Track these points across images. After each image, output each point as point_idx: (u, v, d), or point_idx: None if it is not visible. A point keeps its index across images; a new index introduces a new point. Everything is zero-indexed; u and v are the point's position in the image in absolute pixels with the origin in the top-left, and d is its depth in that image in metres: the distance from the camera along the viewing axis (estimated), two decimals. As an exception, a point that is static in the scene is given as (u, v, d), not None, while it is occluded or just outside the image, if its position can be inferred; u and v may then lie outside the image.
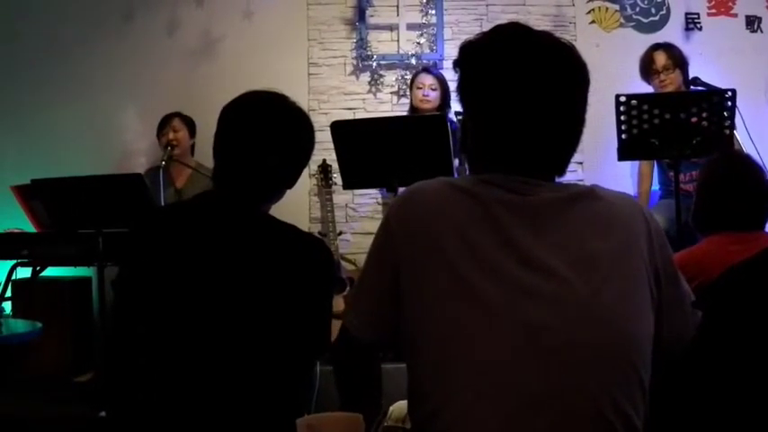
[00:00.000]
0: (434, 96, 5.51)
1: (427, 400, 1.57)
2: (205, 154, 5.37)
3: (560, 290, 1.55)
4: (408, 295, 1.64)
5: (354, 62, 6.06)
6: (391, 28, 6.10)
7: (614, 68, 5.64)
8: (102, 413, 3.58)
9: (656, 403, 1.64)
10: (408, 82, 5.86)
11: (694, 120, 4.14)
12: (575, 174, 5.61)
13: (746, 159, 3.21)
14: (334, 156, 4.62)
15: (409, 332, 1.63)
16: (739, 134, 4.56)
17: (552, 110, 1.67)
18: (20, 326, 4.20)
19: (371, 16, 6.07)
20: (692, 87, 5.05)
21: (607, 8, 6.12)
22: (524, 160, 1.68)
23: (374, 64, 6.02)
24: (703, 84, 4.96)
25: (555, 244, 1.59)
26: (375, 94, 6.07)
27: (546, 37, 1.72)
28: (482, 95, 1.71)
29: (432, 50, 6.01)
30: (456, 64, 1.76)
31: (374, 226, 5.98)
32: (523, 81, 1.66)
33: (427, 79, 5.58)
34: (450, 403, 1.54)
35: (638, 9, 6.12)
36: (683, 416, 1.69)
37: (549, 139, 1.69)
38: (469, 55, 1.74)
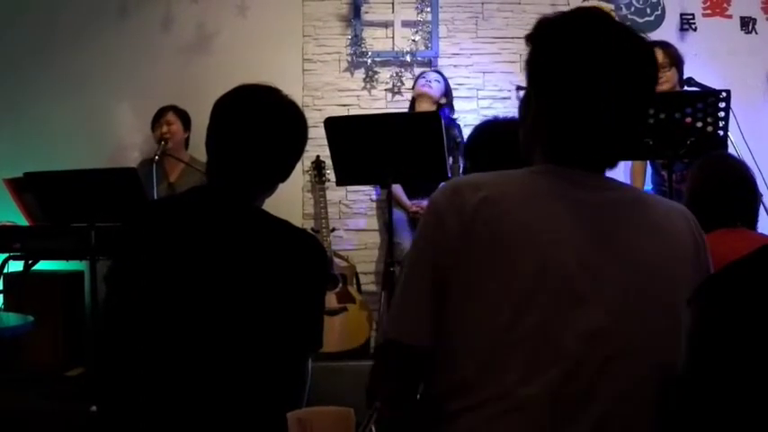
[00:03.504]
0: (436, 87, 5.63)
1: (468, 394, 1.54)
2: (200, 149, 5.39)
3: (615, 297, 1.54)
4: (460, 293, 1.58)
5: (349, 59, 6.06)
6: (386, 25, 6.10)
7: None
8: (94, 408, 3.58)
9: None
10: (403, 80, 5.98)
11: (689, 120, 4.14)
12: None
13: (733, 159, 3.25)
14: (327, 152, 4.62)
15: (455, 328, 1.58)
16: (733, 135, 4.57)
17: (626, 99, 1.63)
18: (11, 319, 4.19)
19: (366, 13, 6.07)
20: (686, 87, 5.06)
21: (602, 8, 6.12)
22: (591, 149, 1.65)
23: (369, 61, 6.02)
24: (697, 84, 4.96)
25: (614, 249, 1.57)
26: (369, 91, 6.07)
27: (624, 26, 1.68)
28: (558, 75, 1.64)
29: (426, 48, 6.01)
30: (530, 38, 1.68)
31: (367, 222, 6.02)
32: (603, 66, 1.61)
33: (431, 74, 5.69)
34: (497, 402, 1.52)
35: (633, 9, 6.12)
36: (680, 420, 1.69)
37: (618, 128, 1.65)
38: (549, 31, 1.67)
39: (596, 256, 1.56)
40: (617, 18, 5.93)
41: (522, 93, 1.79)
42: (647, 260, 1.58)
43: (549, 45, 1.66)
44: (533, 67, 1.69)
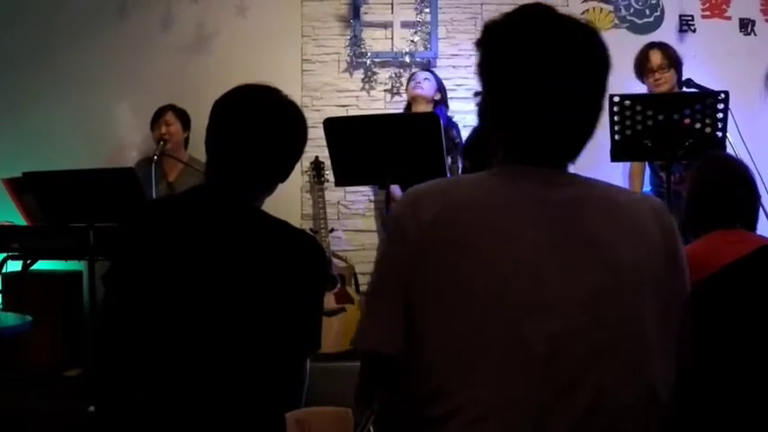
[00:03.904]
0: (428, 86, 5.56)
1: (443, 400, 1.53)
2: (199, 148, 5.39)
3: (584, 296, 1.53)
4: (428, 301, 1.57)
5: (348, 59, 6.06)
6: (385, 25, 6.10)
7: (608, 69, 5.65)
8: (92, 408, 3.58)
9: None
10: (402, 80, 5.95)
11: (687, 121, 4.15)
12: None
13: (732, 160, 3.25)
14: (326, 153, 4.62)
15: (426, 335, 1.57)
16: (732, 136, 4.57)
17: (576, 93, 1.62)
18: (10, 319, 4.19)
19: (366, 13, 6.06)
20: (684, 89, 5.06)
21: (601, 9, 6.13)
22: (545, 145, 1.64)
23: (368, 61, 6.02)
24: (696, 85, 4.96)
25: (581, 248, 1.56)
26: (368, 92, 6.07)
27: (570, 19, 1.67)
28: (505, 76, 1.65)
29: (426, 48, 6.01)
30: (479, 43, 1.69)
31: (366, 223, 6.02)
32: (549, 62, 1.61)
33: (420, 75, 5.64)
34: (472, 407, 1.50)
35: (632, 10, 6.12)
36: (684, 418, 1.68)
37: (571, 122, 1.64)
38: (493, 34, 1.68)
39: (563, 257, 1.55)
40: (616, 20, 6.00)
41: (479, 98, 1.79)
42: (615, 257, 1.56)
43: (495, 47, 1.67)
44: (484, 70, 1.69)
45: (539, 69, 1.61)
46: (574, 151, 1.68)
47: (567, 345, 1.51)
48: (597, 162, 5.55)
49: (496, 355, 1.51)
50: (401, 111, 5.81)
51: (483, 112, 1.76)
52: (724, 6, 6.14)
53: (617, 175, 5.69)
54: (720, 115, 4.14)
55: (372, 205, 6.00)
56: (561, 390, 1.50)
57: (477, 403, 1.50)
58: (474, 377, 1.51)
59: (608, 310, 1.53)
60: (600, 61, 1.66)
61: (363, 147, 4.35)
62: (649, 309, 1.57)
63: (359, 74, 6.07)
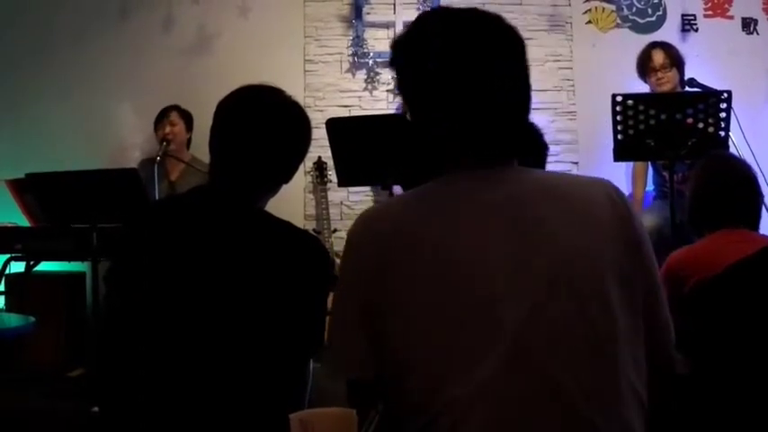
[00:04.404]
0: None
1: (422, 411, 1.51)
2: (200, 149, 5.39)
3: (545, 292, 1.51)
4: (392, 319, 1.57)
5: (351, 59, 6.06)
6: (388, 26, 6.10)
7: (610, 69, 5.65)
8: (95, 408, 3.58)
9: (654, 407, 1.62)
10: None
11: (690, 121, 4.15)
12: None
13: (735, 159, 3.26)
14: (329, 153, 4.62)
15: (396, 351, 1.56)
16: (734, 136, 4.57)
17: (496, 84, 1.61)
18: (13, 320, 4.19)
19: (368, 14, 6.07)
20: (687, 88, 5.06)
21: (604, 8, 6.13)
22: (480, 145, 1.63)
23: (370, 62, 6.02)
24: (699, 85, 4.96)
25: (535, 244, 1.55)
26: (371, 92, 6.07)
27: (471, 11, 1.66)
28: (423, 87, 1.65)
29: (428, 49, 6.01)
30: (391, 63, 1.72)
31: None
32: (459, 62, 1.60)
33: None
34: (448, 412, 1.49)
35: (634, 10, 6.12)
36: (681, 417, 1.68)
37: (501, 115, 1.63)
38: (400, 49, 1.69)
39: (518, 255, 1.53)
40: (619, 20, 5.99)
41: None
42: (570, 249, 1.55)
43: (405, 61, 1.68)
44: (401, 87, 1.71)
45: (446, 75, 1.61)
46: (512, 144, 1.67)
47: (531, 343, 1.49)
48: (600, 162, 5.58)
49: (467, 362, 1.50)
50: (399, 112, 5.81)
51: (413, 129, 1.75)
52: (726, 6, 6.15)
53: (620, 174, 5.69)
54: (723, 115, 4.14)
55: (375, 206, 5.99)
56: (538, 383, 1.48)
57: (453, 410, 1.48)
58: (450, 386, 1.50)
59: (569, 303, 1.51)
60: (511, 45, 1.65)
61: (366, 147, 4.35)
62: (615, 299, 1.55)
63: (361, 74, 6.07)
